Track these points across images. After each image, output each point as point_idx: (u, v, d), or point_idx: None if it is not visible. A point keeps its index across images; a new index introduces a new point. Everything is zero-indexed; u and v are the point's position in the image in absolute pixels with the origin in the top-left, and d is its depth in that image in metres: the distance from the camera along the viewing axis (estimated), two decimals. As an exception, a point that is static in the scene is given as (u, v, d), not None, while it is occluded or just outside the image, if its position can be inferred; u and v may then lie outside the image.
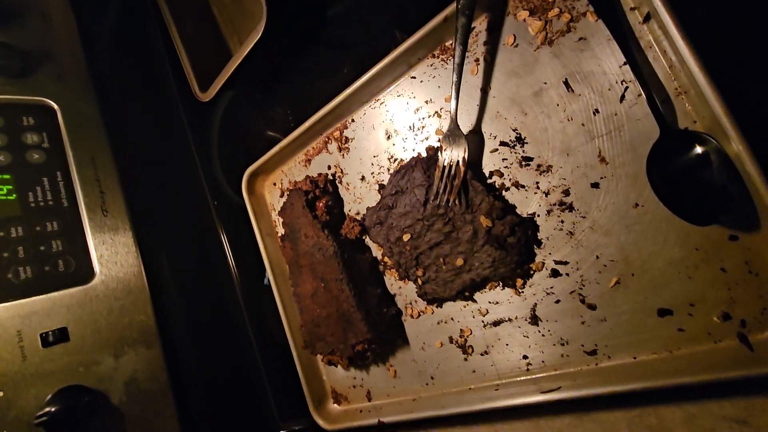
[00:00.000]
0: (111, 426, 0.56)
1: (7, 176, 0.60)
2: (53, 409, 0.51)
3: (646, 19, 0.35)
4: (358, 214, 0.58)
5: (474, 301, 0.48)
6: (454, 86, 0.44)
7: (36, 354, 0.55)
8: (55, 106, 0.66)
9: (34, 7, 0.68)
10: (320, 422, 0.60)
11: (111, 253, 0.64)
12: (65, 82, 0.67)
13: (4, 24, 0.64)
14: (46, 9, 0.69)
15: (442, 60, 0.49)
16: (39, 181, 0.62)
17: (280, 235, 0.66)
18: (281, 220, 0.63)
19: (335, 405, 0.63)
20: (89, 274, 0.61)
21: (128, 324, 0.62)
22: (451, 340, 0.50)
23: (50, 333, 0.56)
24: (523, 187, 0.44)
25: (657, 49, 0.35)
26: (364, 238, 0.58)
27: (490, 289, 0.47)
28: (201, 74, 0.69)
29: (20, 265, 0.57)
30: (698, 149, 0.33)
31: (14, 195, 0.60)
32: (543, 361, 0.44)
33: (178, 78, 0.73)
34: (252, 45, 0.55)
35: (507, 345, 0.46)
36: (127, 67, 0.81)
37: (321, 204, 0.58)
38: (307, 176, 0.60)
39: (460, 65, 0.43)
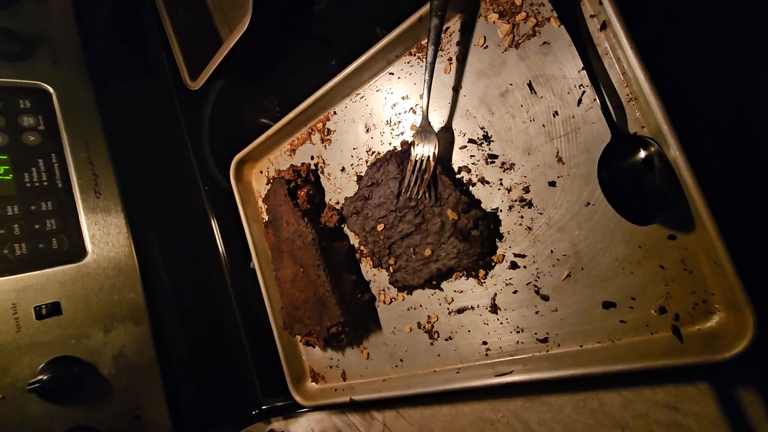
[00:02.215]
0: (99, 395, 0.60)
1: (4, 157, 0.63)
2: (45, 377, 0.55)
3: (603, 27, 0.37)
4: (337, 203, 0.61)
5: (441, 289, 0.51)
6: (425, 84, 0.46)
7: (30, 326, 0.58)
8: (51, 90, 0.68)
9: (31, -8, 0.70)
10: (298, 399, 0.64)
11: (103, 233, 0.67)
12: (61, 66, 0.70)
13: (2, 8, 0.66)
14: (42, -7, 0.71)
15: (419, 58, 0.50)
16: (34, 162, 0.65)
17: (264, 221, 0.69)
18: (266, 206, 0.65)
19: (313, 383, 0.66)
20: (82, 252, 0.64)
21: (118, 301, 0.65)
22: (419, 325, 0.53)
23: (43, 306, 0.59)
24: (488, 183, 0.46)
25: (612, 57, 0.37)
26: (342, 226, 0.60)
27: (455, 279, 0.49)
28: (193, 62, 0.71)
29: (16, 241, 0.60)
30: (643, 153, 0.35)
31: (11, 175, 0.63)
32: (500, 347, 0.47)
33: (172, 65, 0.75)
34: (238, 36, 0.57)
35: (469, 331, 0.49)
36: (122, 52, 0.83)
37: (302, 193, 0.60)
38: (291, 165, 0.63)
39: (432, 64, 0.45)
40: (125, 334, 0.64)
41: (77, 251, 0.65)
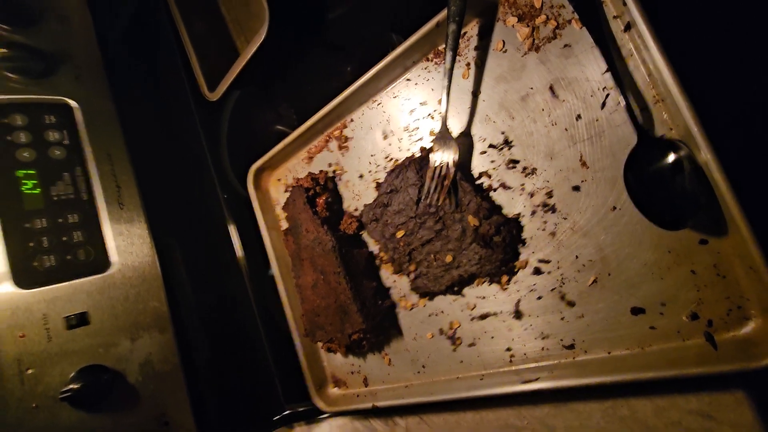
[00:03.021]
0: (128, 403, 0.61)
1: (32, 171, 0.65)
2: (76, 386, 0.56)
3: (627, 28, 0.36)
4: (356, 210, 0.61)
5: (462, 295, 0.51)
6: (444, 90, 0.46)
7: (60, 336, 0.59)
8: (75, 105, 0.70)
9: (53, 10, 0.72)
10: (320, 405, 0.64)
11: (127, 244, 0.68)
12: (83, 81, 0.71)
13: (27, 27, 0.68)
14: (64, 11, 0.73)
15: (436, 63, 0.50)
16: (60, 175, 0.66)
17: (283, 228, 0.69)
18: (285, 214, 0.66)
19: (335, 389, 0.66)
20: (107, 263, 0.66)
21: (143, 310, 0.66)
22: (441, 331, 0.53)
23: (72, 317, 0.61)
24: (509, 188, 0.46)
25: (637, 58, 0.37)
26: (361, 233, 0.60)
27: (477, 285, 0.49)
28: (210, 73, 0.72)
29: (44, 254, 0.62)
30: (672, 156, 0.34)
31: (38, 189, 0.64)
32: (525, 354, 0.46)
33: (190, 76, 0.76)
34: (256, 47, 0.58)
35: (492, 338, 0.49)
36: (141, 66, 0.85)
37: (321, 200, 0.61)
38: (309, 173, 0.63)
39: (450, 70, 0.45)
40: (150, 342, 0.66)
41: (103, 262, 0.66)
